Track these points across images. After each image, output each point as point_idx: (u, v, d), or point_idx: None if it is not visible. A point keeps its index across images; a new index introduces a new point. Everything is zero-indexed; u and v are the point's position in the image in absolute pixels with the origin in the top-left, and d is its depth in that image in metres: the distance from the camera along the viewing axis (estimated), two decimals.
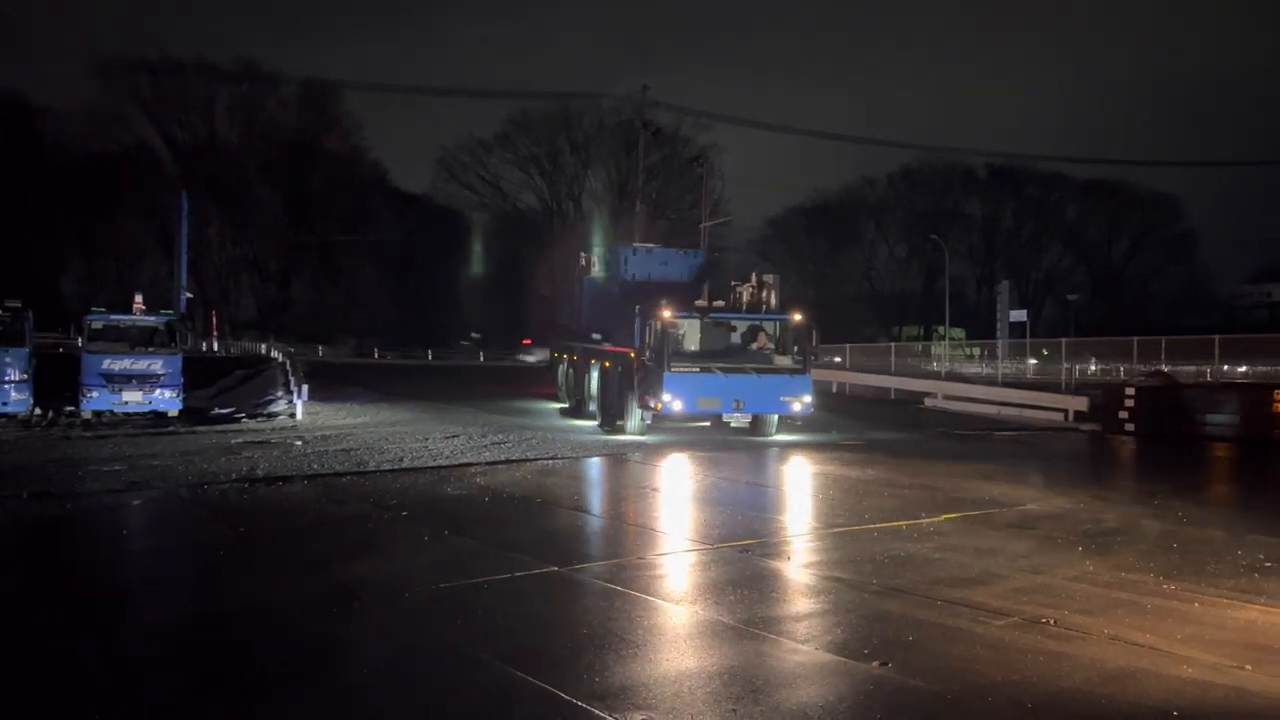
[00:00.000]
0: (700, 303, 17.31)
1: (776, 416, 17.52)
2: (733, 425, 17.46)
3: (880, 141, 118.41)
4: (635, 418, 17.40)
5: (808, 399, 17.09)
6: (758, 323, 17.65)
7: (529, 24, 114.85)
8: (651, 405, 16.71)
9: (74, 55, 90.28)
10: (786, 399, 16.93)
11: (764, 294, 17.74)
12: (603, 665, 5.10)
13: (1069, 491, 12.54)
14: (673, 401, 16.36)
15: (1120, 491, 13.60)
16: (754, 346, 17.33)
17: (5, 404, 18.24)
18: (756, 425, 17.56)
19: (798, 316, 17.45)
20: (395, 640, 5.52)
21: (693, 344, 17.17)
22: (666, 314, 16.44)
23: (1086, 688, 4.80)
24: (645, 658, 5.30)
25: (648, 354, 16.76)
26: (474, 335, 62.80)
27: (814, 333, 17.61)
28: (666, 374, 16.26)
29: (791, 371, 17.14)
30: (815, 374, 40.09)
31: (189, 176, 56.28)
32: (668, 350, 16.40)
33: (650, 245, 21.41)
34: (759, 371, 16.89)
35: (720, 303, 17.91)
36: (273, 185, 62.80)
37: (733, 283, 18.82)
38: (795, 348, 17.33)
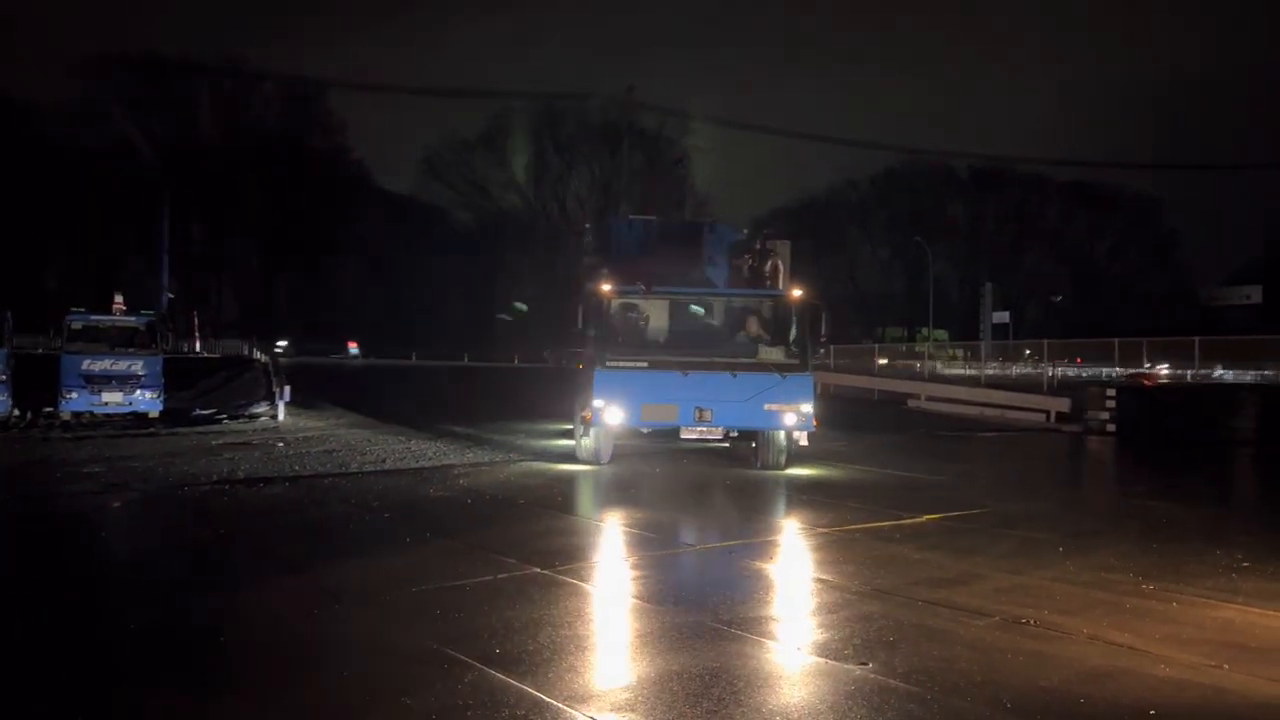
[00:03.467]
0: (692, 273, 13.61)
1: (784, 439, 12.80)
2: (752, 446, 13.12)
3: (862, 143, 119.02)
4: (579, 436, 13.28)
5: (807, 409, 12.32)
6: (748, 302, 13.31)
7: (514, 25, 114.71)
8: (581, 415, 12.82)
9: (56, 51, 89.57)
10: (775, 408, 12.21)
11: (768, 266, 13.53)
12: (585, 667, 5.09)
13: (1050, 492, 12.63)
14: (606, 409, 12.16)
15: (1100, 492, 13.71)
16: (741, 335, 13.11)
17: None
18: (760, 450, 12.99)
19: (797, 293, 12.76)
20: (376, 642, 5.49)
21: (660, 334, 13.33)
22: (606, 288, 12.59)
23: (1065, 687, 4.83)
24: (627, 659, 5.30)
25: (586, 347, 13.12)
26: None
27: (824, 317, 13.09)
28: (598, 370, 12.24)
29: (784, 369, 12.39)
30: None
31: (171, 175, 55.95)
32: (602, 339, 12.57)
33: (649, 217, 17.35)
34: (736, 368, 12.28)
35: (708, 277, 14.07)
36: (255, 184, 62.51)
37: (731, 256, 15.06)
38: (793, 336, 12.83)
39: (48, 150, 54.26)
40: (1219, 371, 28.04)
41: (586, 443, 13.05)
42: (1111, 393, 21.26)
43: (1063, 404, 23.51)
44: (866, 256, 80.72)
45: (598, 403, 12.19)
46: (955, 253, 77.38)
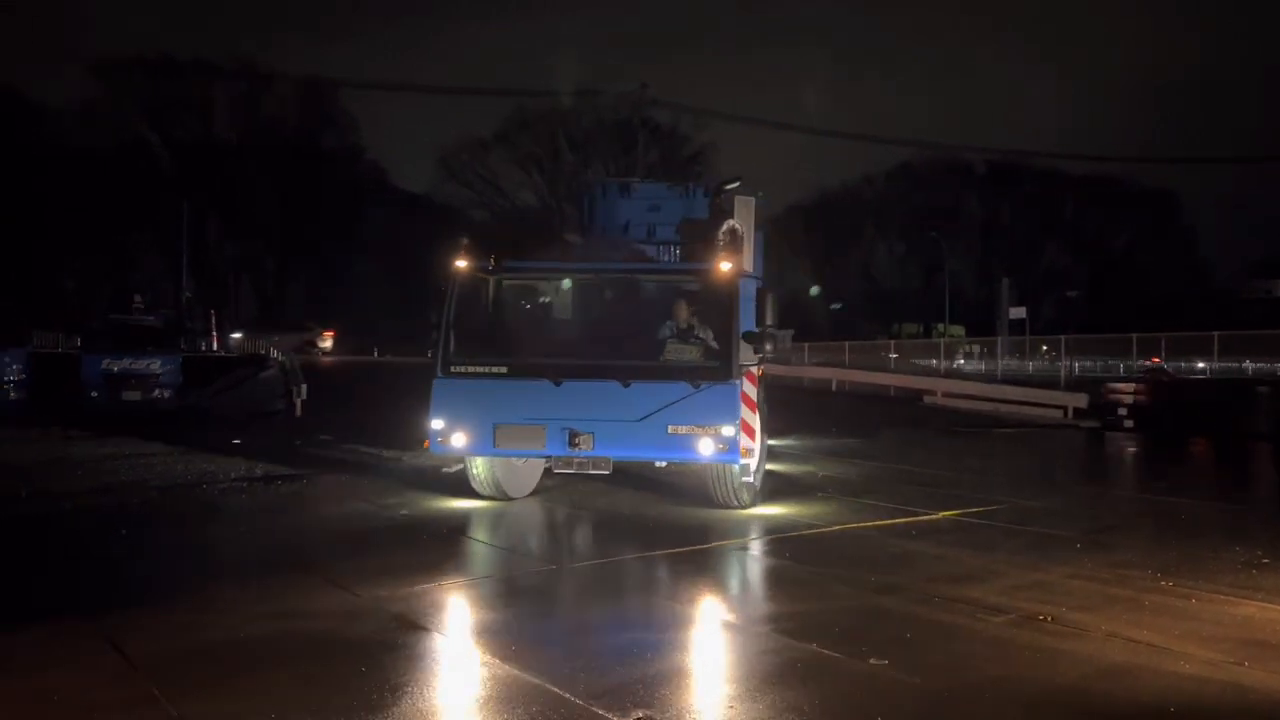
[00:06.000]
0: (569, 235, 10.53)
1: (751, 468, 9.41)
2: (735, 480, 9.40)
3: (878, 138, 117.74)
4: (468, 462, 9.88)
5: (729, 432, 8.67)
6: (681, 283, 9.96)
7: (529, 22, 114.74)
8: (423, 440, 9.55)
9: (72, 53, 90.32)
10: (683, 431, 8.71)
11: (723, 231, 9.97)
12: (601, 663, 5.10)
13: (1067, 488, 12.57)
14: (447, 432, 9.13)
15: (1118, 488, 13.63)
16: (667, 332, 9.58)
17: (4, 403, 18.27)
18: (708, 482, 9.59)
19: (725, 266, 9.06)
20: (395, 639, 5.52)
21: (554, 327, 10.34)
22: (459, 265, 9.57)
23: (1083, 684, 4.81)
24: (643, 656, 5.31)
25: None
26: None
27: (769, 299, 9.30)
28: (437, 380, 9.31)
29: (696, 375, 8.86)
30: (810, 373, 37.30)
31: (187, 175, 56.35)
32: (449, 334, 9.46)
33: (631, 180, 13.50)
34: (627, 375, 8.90)
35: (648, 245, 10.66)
36: (271, 184, 62.81)
37: (684, 217, 11.58)
38: (712, 331, 9.39)
39: (65, 151, 54.66)
40: (1239, 365, 27.85)
41: (481, 470, 9.82)
42: (1129, 388, 21.14)
43: (1080, 399, 23.39)
44: (882, 253, 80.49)
45: (436, 423, 9.17)
46: (971, 248, 77.02)
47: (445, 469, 9.78)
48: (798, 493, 11.05)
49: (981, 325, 51.93)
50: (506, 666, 4.96)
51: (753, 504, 9.68)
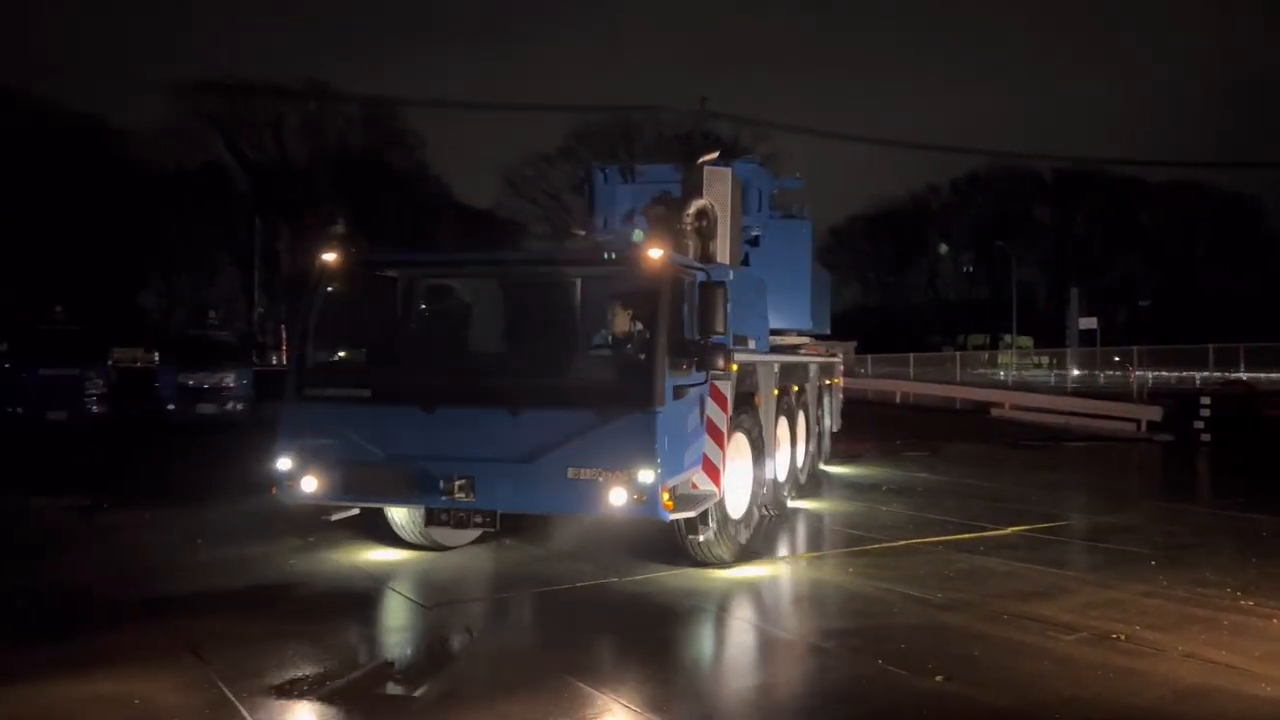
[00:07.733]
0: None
1: (724, 518, 7.55)
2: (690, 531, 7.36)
3: (942, 147, 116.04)
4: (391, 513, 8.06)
5: (646, 477, 6.35)
6: (609, 277, 7.55)
7: (592, 38, 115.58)
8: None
9: (149, 78, 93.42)
10: (586, 475, 6.49)
11: (690, 214, 8.42)
12: (663, 677, 5.12)
13: (1141, 504, 12.23)
14: (297, 473, 7.02)
15: (1195, 504, 13.22)
16: (599, 342, 7.67)
17: (84, 416, 18.92)
18: (676, 534, 7.41)
19: (655, 254, 6.79)
20: (460, 649, 5.60)
21: (454, 338, 8.16)
22: (327, 259, 7.62)
23: (1159, 705, 4.69)
24: (704, 670, 5.32)
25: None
26: None
27: (719, 298, 6.88)
28: (287, 406, 7.31)
29: (606, 401, 6.61)
30: (874, 385, 36.87)
31: (260, 194, 57.92)
32: (302, 349, 7.57)
33: (637, 164, 11.23)
34: (518, 401, 6.72)
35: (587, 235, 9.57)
36: (341, 202, 64.23)
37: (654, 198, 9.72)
38: (636, 334, 7.24)
39: (143, 173, 56.52)
40: None
41: (400, 512, 8.01)
42: (1206, 400, 20.48)
43: (1154, 412, 22.72)
44: (948, 262, 79.32)
45: (284, 462, 7.08)
46: (1041, 258, 75.53)
47: (325, 517, 7.72)
48: (842, 538, 10.90)
49: (1051, 336, 50.90)
50: (573, 680, 5.00)
51: (735, 560, 7.71)
